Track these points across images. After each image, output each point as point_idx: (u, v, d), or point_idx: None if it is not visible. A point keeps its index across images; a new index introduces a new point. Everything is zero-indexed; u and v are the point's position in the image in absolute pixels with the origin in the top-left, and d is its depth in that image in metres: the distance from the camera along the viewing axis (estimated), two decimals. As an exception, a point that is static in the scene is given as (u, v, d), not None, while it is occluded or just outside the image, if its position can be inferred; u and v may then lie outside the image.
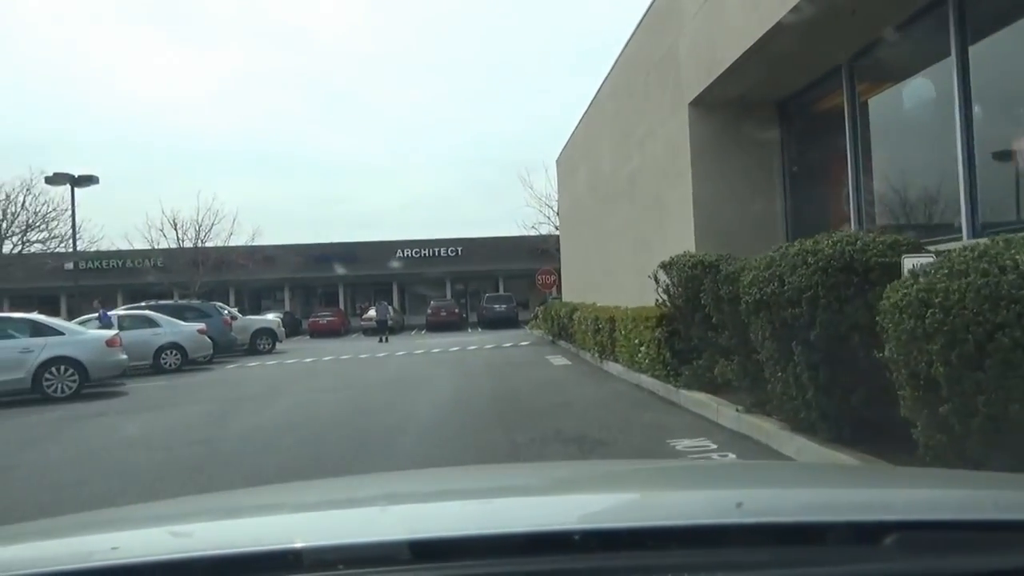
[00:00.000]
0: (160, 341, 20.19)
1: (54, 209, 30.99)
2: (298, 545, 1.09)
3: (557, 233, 32.18)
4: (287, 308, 47.33)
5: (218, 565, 1.07)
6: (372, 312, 43.08)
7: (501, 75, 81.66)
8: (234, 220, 42.12)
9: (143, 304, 24.05)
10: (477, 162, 74.06)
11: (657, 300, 9.84)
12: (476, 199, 69.91)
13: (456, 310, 42.57)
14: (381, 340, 29.86)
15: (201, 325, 21.30)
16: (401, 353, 21.16)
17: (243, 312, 44.45)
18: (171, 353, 20.27)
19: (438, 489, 1.89)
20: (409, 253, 46.99)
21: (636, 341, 11.18)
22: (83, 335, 15.55)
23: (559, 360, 16.31)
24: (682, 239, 11.11)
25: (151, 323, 20.56)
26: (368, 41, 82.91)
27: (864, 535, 1.07)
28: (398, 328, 41.84)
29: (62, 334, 15.08)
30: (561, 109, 67.22)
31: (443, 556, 1.07)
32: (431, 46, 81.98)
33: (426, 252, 47.16)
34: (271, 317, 30.88)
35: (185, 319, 22.20)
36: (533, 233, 37.07)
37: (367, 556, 1.07)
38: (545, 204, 35.12)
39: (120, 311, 22.04)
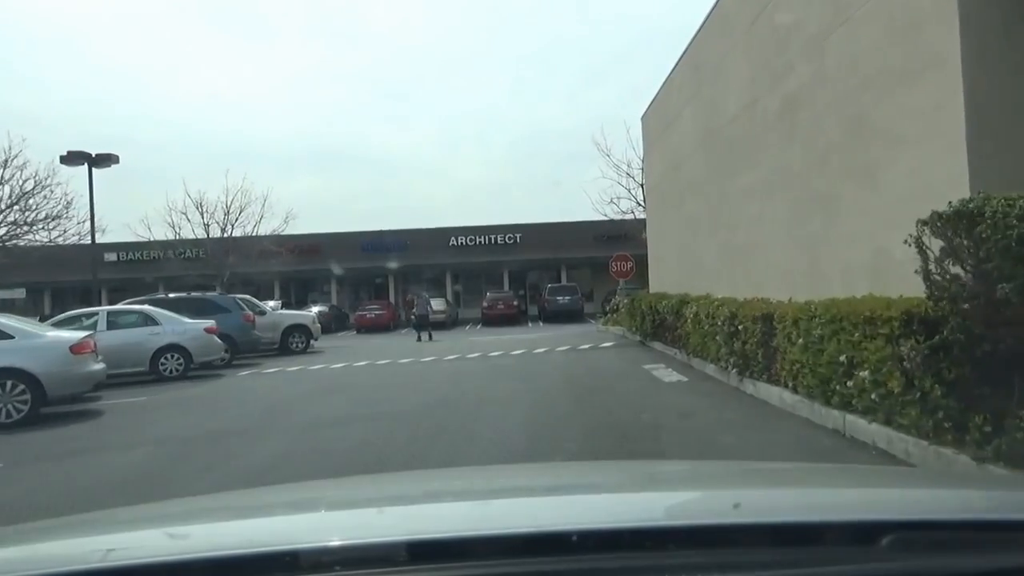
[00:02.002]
0: (159, 342, 16.14)
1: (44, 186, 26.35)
2: (296, 546, 1.08)
3: (636, 213, 27.07)
4: (333, 301, 43.54)
5: (215, 567, 1.06)
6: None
7: (557, 66, 76.80)
8: (264, 202, 37.53)
9: (144, 298, 20.09)
10: (533, 155, 69.81)
11: (917, 291, 5.02)
12: (533, 188, 65.64)
13: (514, 302, 37.93)
14: (420, 339, 25.23)
15: (209, 322, 17.15)
16: (451, 358, 16.65)
17: (288, 306, 41.11)
18: (172, 357, 16.21)
19: (436, 490, 1.86)
20: (463, 241, 42.53)
21: (843, 358, 6.36)
22: (39, 339, 11.42)
23: (667, 373, 11.53)
24: (926, 181, 6.24)
25: (148, 321, 16.51)
26: (422, 35, 79.13)
27: (861, 535, 1.06)
28: (451, 323, 37.50)
29: (11, 337, 10.99)
30: (617, 99, 62.27)
31: (441, 557, 1.05)
32: (485, 39, 77.64)
33: (481, 239, 42.61)
34: (306, 312, 26.73)
35: (197, 315, 18.20)
36: (612, 208, 31.36)
37: (365, 557, 1.05)
38: (626, 173, 29.19)
39: (111, 307, 18.12)
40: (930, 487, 1.68)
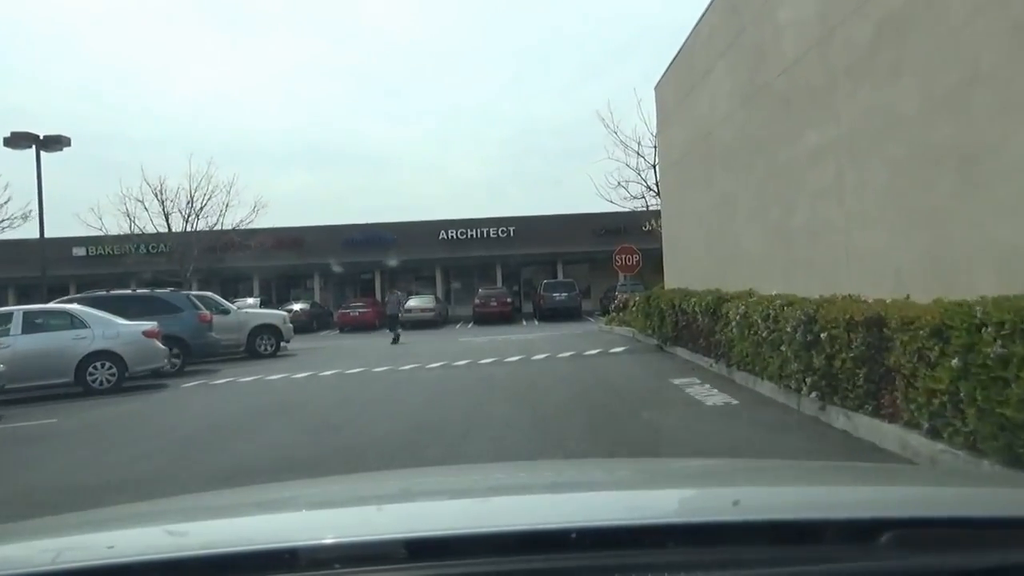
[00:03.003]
0: (86, 348, 13.42)
1: None
2: (294, 544, 1.07)
3: (647, 198, 24.28)
4: (317, 298, 40.77)
5: (214, 564, 1.03)
6: (411, 301, 36.27)
7: (549, 62, 74.16)
8: (229, 189, 33.15)
9: (75, 296, 17.32)
10: (527, 151, 67.23)
11: None
12: (531, 185, 63.18)
13: (508, 300, 35.20)
14: (394, 341, 22.44)
15: (149, 324, 14.41)
16: (435, 366, 13.97)
17: (267, 303, 38.34)
18: (102, 366, 13.50)
19: (434, 488, 1.83)
20: (453, 235, 39.76)
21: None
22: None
23: (705, 392, 8.90)
24: None
25: (75, 323, 13.78)
26: (416, 30, 76.49)
27: (860, 533, 1.04)
28: (441, 321, 34.82)
29: None
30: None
31: (439, 555, 1.03)
32: (479, 35, 74.90)
33: (473, 233, 39.84)
34: (276, 311, 23.96)
35: (142, 315, 15.49)
36: (619, 194, 27.92)
37: (363, 554, 1.04)
38: (635, 153, 25.55)
39: (28, 307, 15.42)
40: (930, 485, 1.67)
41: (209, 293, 21.35)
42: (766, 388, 8.29)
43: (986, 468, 4.35)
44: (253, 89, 70.25)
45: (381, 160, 68.52)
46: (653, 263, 24.60)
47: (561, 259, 40.24)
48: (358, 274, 41.78)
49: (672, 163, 15.18)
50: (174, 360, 16.65)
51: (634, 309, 16.47)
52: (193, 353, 16.99)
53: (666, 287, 15.98)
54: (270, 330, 20.51)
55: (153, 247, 30.76)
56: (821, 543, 1.06)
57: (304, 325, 35.40)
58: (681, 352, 12.55)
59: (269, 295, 41.86)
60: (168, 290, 19.05)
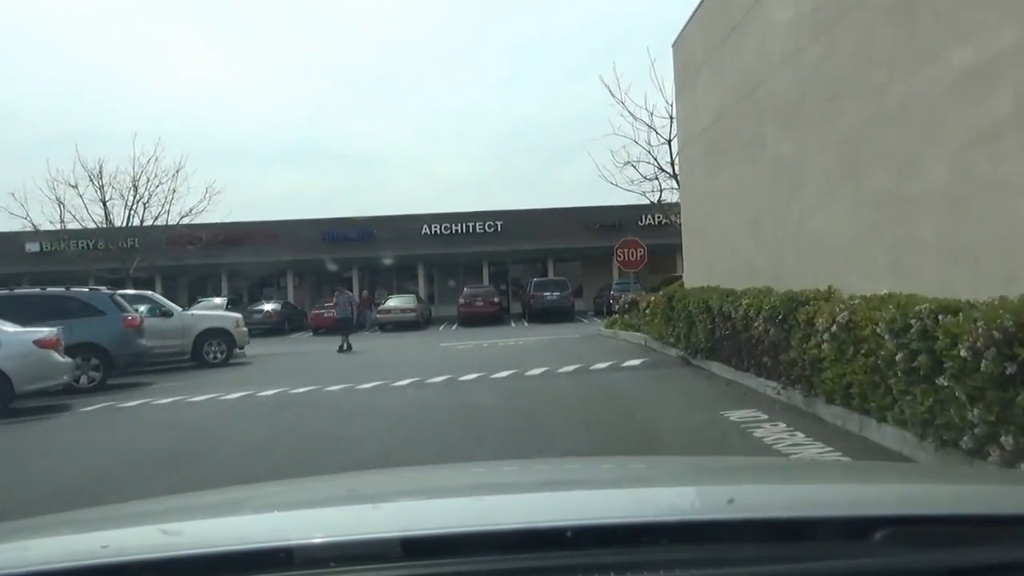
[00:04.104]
0: (-42, 363, 10.35)
1: None
2: (290, 542, 1.04)
3: (660, 180, 21.13)
4: (290, 297, 37.58)
5: (209, 563, 1.01)
6: (391, 301, 33.17)
7: (538, 60, 71.24)
8: (175, 173, 28.41)
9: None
10: (517, 150, 64.33)
11: None
12: (521, 185, 60.39)
13: (495, 299, 32.17)
14: (342, 348, 18.92)
15: (46, 332, 11.31)
16: (404, 383, 10.95)
17: (234, 304, 35.13)
18: (-21, 385, 10.44)
19: (430, 486, 1.79)
20: (437, 229, 36.65)
21: None
22: None
23: (786, 436, 5.96)
24: None
25: (-56, 330, 10.68)
26: (403, 29, 73.51)
27: (854, 530, 1.03)
28: (423, 322, 31.78)
29: None
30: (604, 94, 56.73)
31: (435, 553, 1.02)
32: (466, 34, 71.87)
33: (458, 228, 36.74)
34: (227, 313, 20.83)
35: (49, 318, 12.40)
36: (626, 177, 23.75)
37: (359, 553, 1.02)
38: (645, 125, 21.05)
39: None
40: (924, 482, 1.63)
41: (149, 292, 18.22)
42: (891, 437, 5.38)
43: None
44: (238, 89, 67.36)
45: (369, 159, 65.71)
46: (651, 260, 21.75)
47: (552, 255, 37.28)
48: (336, 272, 38.67)
49: (697, 133, 12.21)
50: (92, 373, 13.66)
51: (647, 311, 13.50)
52: (116, 364, 13.91)
53: (686, 285, 13.08)
54: (220, 335, 17.40)
55: (88, 243, 27.05)
56: (815, 540, 1.04)
57: (275, 327, 32.28)
58: (718, 369, 9.63)
59: (240, 294, 38.76)
60: (86, 289, 15.87)
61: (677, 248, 33.37)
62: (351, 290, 34.03)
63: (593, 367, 11.23)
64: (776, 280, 8.77)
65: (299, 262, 36.54)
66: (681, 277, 28.18)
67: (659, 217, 35.30)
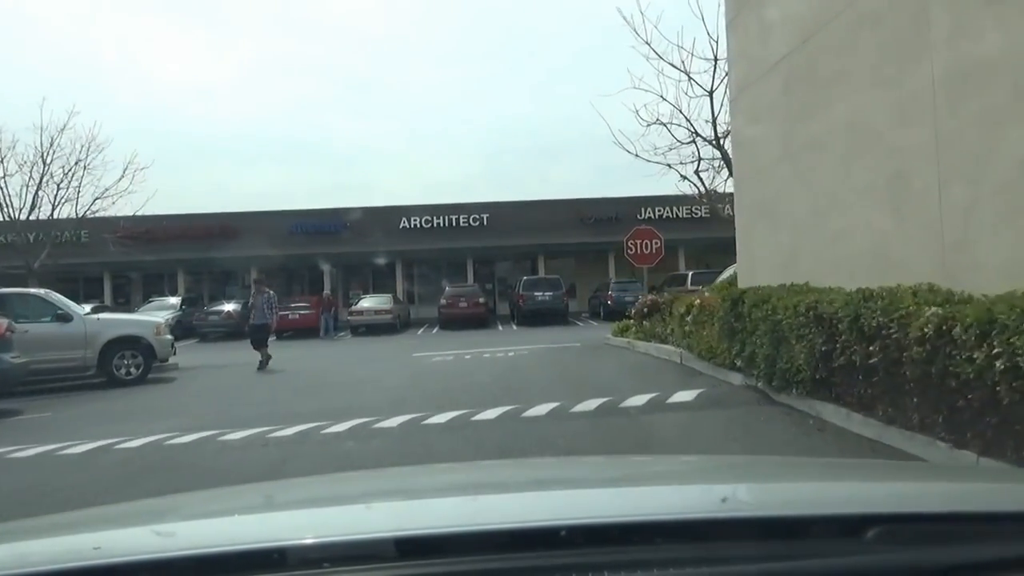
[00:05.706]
0: None
1: None
2: (283, 543, 1.02)
3: (695, 147, 17.30)
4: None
5: (202, 564, 0.99)
6: (364, 301, 29.26)
7: (524, 58, 67.73)
8: (87, 146, 23.90)
9: None
10: (502, 149, 61.02)
11: None
12: (510, 183, 56.92)
13: (480, 299, 28.35)
14: (261, 365, 14.27)
15: None
16: (342, 430, 7.14)
17: (192, 303, 31.12)
18: None
19: (424, 486, 1.73)
20: (417, 223, 32.78)
21: None
22: None
23: None
24: None
25: None
26: (384, 26, 69.88)
27: (848, 528, 1.02)
28: (400, 324, 27.96)
29: None
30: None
31: (429, 552, 1.00)
32: (449, 32, 68.22)
33: (440, 221, 32.89)
34: (145, 317, 16.86)
35: None
36: (648, 141, 19.35)
37: (353, 553, 1.00)
38: (677, 71, 17.15)
39: None
40: (916, 480, 1.60)
41: (43, 291, 14.21)
42: None
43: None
44: (222, 84, 64.32)
45: (353, 157, 62.25)
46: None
47: (542, 252, 33.53)
48: (305, 268, 34.66)
49: (769, 67, 8.45)
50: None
51: (688, 318, 9.74)
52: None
53: (740, 283, 9.39)
54: (134, 344, 13.49)
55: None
56: (808, 538, 1.02)
57: (235, 329, 28.33)
58: (834, 415, 5.93)
59: (200, 294, 34.70)
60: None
61: (679, 243, 30.05)
62: (325, 291, 30.29)
63: (626, 403, 7.46)
64: (945, 275, 5.12)
65: (264, 258, 32.54)
66: (686, 277, 24.88)
67: (660, 210, 32.12)
